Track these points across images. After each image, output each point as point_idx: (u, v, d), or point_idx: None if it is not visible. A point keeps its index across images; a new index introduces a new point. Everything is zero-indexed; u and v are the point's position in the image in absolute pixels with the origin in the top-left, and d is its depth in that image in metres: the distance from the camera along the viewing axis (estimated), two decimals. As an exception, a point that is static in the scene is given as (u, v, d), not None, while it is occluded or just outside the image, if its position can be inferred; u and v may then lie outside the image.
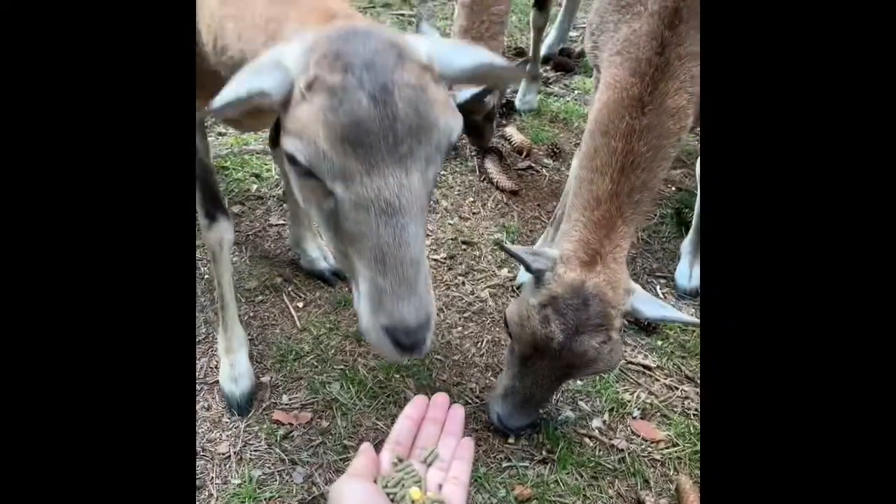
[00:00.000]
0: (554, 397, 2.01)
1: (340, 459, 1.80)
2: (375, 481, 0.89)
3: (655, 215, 2.76)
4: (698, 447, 1.90)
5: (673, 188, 2.90)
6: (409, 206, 0.94)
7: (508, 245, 1.72)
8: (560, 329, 1.56)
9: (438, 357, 2.12)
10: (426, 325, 0.98)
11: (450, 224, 2.63)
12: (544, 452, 1.87)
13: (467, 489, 0.87)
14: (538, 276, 1.63)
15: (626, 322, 2.25)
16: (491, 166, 2.89)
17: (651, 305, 1.64)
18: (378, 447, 1.87)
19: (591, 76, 3.26)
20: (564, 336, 1.56)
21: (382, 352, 0.98)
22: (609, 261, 1.63)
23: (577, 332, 1.56)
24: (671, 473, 1.84)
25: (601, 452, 1.89)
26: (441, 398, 0.98)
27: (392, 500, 0.84)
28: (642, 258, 2.56)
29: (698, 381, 2.10)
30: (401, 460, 0.92)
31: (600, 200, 1.64)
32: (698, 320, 1.64)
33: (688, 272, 2.40)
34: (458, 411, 0.98)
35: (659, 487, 1.81)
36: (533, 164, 3.01)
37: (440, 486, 0.86)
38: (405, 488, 0.85)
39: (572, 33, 4.05)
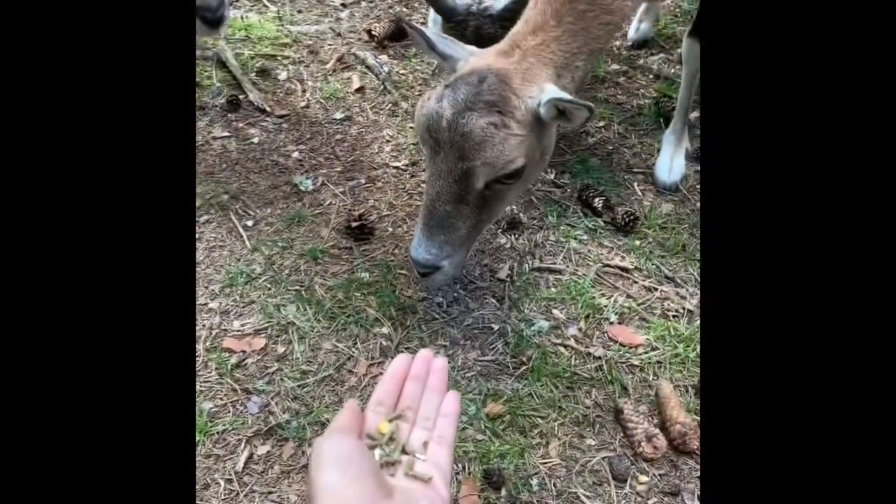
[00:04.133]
0: (527, 306, 1.89)
1: (298, 386, 1.69)
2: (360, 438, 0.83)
3: (632, 107, 2.56)
4: (679, 349, 1.80)
5: (650, 75, 2.69)
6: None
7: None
8: (449, 104, 1.44)
9: (403, 272, 1.98)
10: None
11: (411, 128, 2.42)
12: (519, 366, 1.76)
13: (452, 448, 0.81)
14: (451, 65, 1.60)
15: (601, 223, 2.10)
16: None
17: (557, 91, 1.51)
18: (341, 370, 1.77)
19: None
20: (452, 112, 1.43)
21: None
22: (529, 54, 1.53)
23: (466, 108, 1.43)
24: (650, 379, 1.75)
25: (577, 361, 1.79)
26: (424, 353, 0.91)
27: (381, 461, 0.77)
28: (618, 153, 2.39)
29: (678, 281, 1.98)
30: (389, 421, 0.84)
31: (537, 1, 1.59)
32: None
33: (668, 165, 2.23)
34: (441, 364, 0.91)
35: (638, 394, 1.72)
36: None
37: (425, 445, 0.80)
38: (394, 450, 0.78)
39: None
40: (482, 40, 2.05)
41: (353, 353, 1.78)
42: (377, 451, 0.76)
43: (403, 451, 0.78)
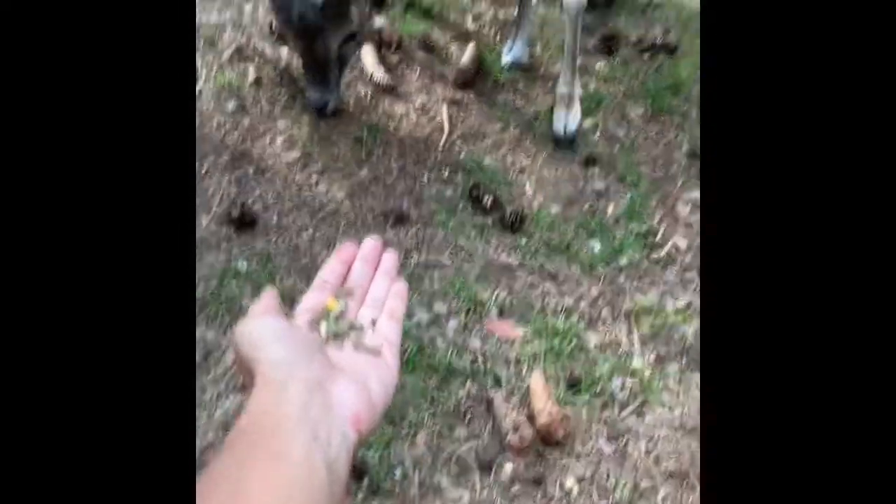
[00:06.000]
0: (409, 300, 1.88)
1: (159, 374, 1.61)
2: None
3: (529, 113, 2.61)
4: (554, 343, 1.82)
5: (550, 83, 2.75)
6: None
7: None
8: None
9: (284, 263, 1.93)
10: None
11: (306, 120, 2.39)
12: (394, 357, 1.74)
13: (401, 325, 0.76)
14: None
15: (490, 221, 2.12)
16: (368, 57, 2.63)
17: None
18: (209, 358, 1.71)
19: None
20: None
21: None
22: None
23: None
24: (524, 372, 1.76)
25: (454, 354, 1.78)
26: (371, 242, 0.82)
27: (327, 335, 0.71)
28: (513, 154, 2.42)
29: (560, 278, 2.01)
30: (336, 298, 0.77)
31: None
32: None
33: (563, 116, 2.26)
34: (392, 254, 0.84)
35: (511, 386, 1.73)
36: (403, 57, 2.77)
37: (373, 322, 0.74)
38: (341, 325, 0.72)
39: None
40: (306, 30, 1.99)
41: (223, 342, 1.72)
42: (323, 326, 0.72)
43: (351, 327, 0.73)
